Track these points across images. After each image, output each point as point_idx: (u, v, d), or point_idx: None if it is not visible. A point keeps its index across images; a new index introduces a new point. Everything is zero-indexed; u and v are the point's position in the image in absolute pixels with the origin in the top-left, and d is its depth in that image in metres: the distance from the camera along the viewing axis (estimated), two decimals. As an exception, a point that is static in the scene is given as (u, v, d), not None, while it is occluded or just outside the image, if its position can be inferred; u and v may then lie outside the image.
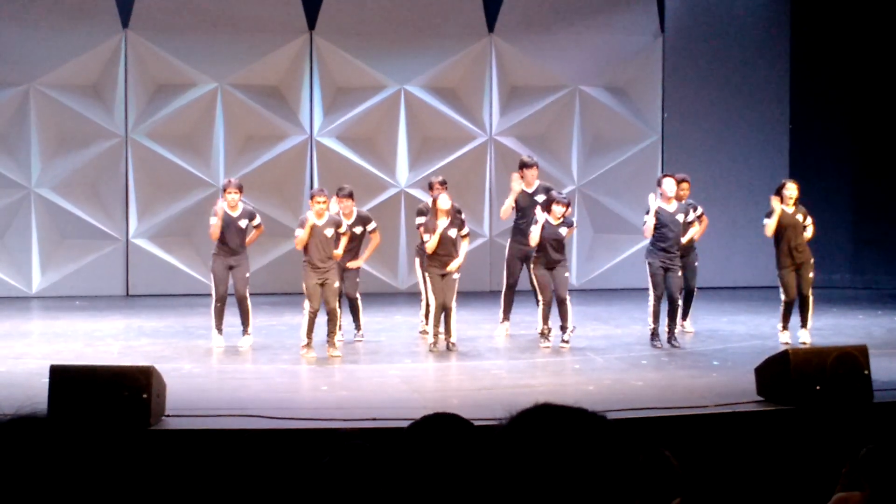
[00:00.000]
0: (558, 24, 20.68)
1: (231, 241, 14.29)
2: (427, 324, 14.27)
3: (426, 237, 13.93)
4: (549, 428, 2.23)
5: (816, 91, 21.29)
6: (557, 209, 14.12)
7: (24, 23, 19.31)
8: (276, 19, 20.02)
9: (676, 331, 14.48)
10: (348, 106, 20.26)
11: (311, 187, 19.83)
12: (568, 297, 14.21)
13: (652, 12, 20.98)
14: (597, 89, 20.87)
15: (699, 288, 15.92)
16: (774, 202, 14.40)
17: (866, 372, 10.67)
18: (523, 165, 15.47)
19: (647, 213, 14.28)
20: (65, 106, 19.45)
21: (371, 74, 20.23)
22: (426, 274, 14.08)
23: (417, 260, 14.86)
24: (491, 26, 20.55)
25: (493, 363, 13.24)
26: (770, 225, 14.31)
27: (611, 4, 20.91)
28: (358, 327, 14.84)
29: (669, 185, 14.35)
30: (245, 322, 14.38)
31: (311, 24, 20.14)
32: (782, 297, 14.44)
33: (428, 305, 14.19)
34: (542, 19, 20.66)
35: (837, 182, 20.75)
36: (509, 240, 15.65)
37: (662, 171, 20.59)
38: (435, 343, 13.88)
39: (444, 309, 13.87)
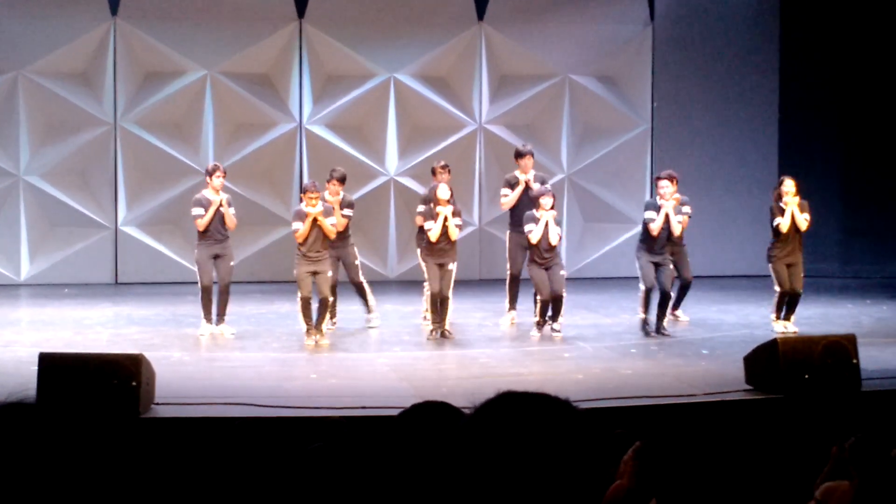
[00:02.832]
0: (548, 12, 20.66)
1: (216, 229, 14.29)
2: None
3: (427, 225, 13.93)
4: (512, 416, 2.23)
5: (806, 81, 21.30)
6: (546, 201, 14.13)
7: (13, 10, 19.25)
8: (265, 7, 19.99)
9: (669, 320, 14.54)
10: (338, 94, 20.24)
11: (301, 175, 19.83)
12: (564, 294, 14.29)
13: (641, 1, 20.96)
14: (586, 78, 20.86)
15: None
16: (791, 199, 14.46)
17: (855, 361, 10.71)
18: (518, 155, 15.36)
19: (655, 212, 14.29)
20: (54, 93, 19.40)
21: (360, 63, 20.20)
22: (425, 264, 14.10)
23: (419, 250, 14.80)
24: (481, 15, 20.53)
25: (482, 352, 13.25)
26: (784, 223, 14.38)
27: (601, -7, 20.92)
28: (369, 309, 14.89)
29: (662, 187, 14.48)
30: (224, 311, 14.37)
31: (301, 12, 20.11)
32: (777, 288, 14.48)
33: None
34: (531, 8, 20.64)
35: (826, 172, 20.76)
36: (508, 230, 15.58)
37: (652, 160, 20.67)
38: (433, 332, 13.91)
39: (442, 299, 13.93)
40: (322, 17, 20.11)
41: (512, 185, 15.27)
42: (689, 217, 15.03)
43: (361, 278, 14.88)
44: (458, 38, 20.48)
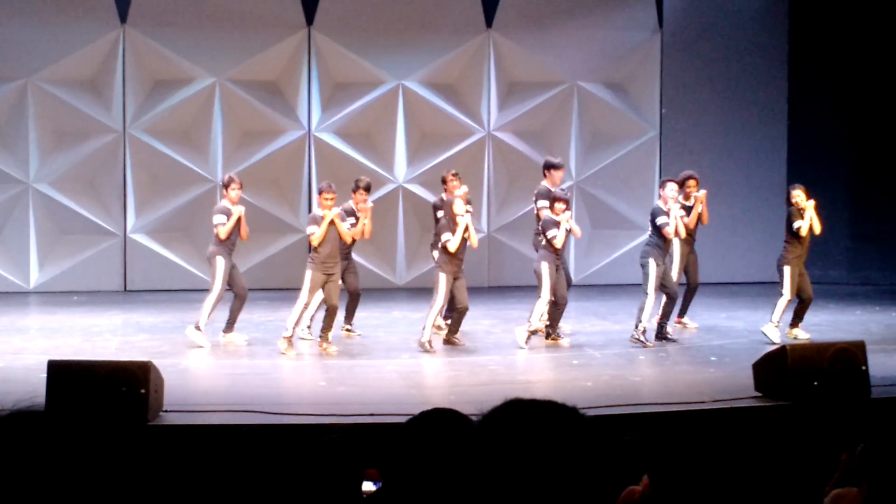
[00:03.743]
0: (556, 19, 20.67)
1: (235, 239, 14.28)
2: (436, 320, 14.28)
3: (445, 236, 13.80)
4: (520, 423, 2.23)
5: (814, 87, 21.29)
6: (560, 206, 14.13)
7: (23, 18, 19.29)
8: (274, 14, 20.01)
9: (675, 328, 14.54)
10: (346, 101, 20.26)
11: (310, 183, 19.85)
12: None
13: (650, 8, 20.97)
14: (595, 85, 20.87)
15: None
16: (807, 204, 14.48)
17: (864, 368, 10.70)
18: (551, 166, 15.04)
19: (668, 215, 14.31)
20: (63, 101, 19.43)
21: (369, 70, 20.22)
22: (442, 274, 13.91)
23: (436, 254, 14.58)
24: (489, 22, 20.54)
25: (490, 359, 13.25)
26: (805, 227, 14.39)
27: (609, 0, 20.90)
28: (350, 321, 14.89)
29: (672, 189, 14.47)
30: (238, 318, 14.37)
31: (310, 19, 20.13)
32: (787, 294, 14.41)
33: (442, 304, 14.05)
34: (540, 15, 20.65)
35: (835, 178, 20.75)
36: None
37: (661, 167, 20.66)
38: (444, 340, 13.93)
39: (462, 309, 13.89)
40: (330, 25, 20.14)
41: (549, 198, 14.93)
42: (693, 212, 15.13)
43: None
44: (467, 45, 20.49)
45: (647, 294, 14.14)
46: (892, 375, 11.55)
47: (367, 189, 14.71)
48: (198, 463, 9.08)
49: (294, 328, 13.58)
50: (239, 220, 14.19)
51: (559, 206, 14.09)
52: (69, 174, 19.66)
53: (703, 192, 15.15)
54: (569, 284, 14.67)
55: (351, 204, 14.52)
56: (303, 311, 13.69)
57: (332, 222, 13.58)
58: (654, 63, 21.06)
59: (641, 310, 14.12)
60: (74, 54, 19.46)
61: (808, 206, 14.44)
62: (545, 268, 14.00)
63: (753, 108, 21.33)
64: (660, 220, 14.33)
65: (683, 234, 14.58)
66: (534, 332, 14.02)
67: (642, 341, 14.01)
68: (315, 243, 13.63)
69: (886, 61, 20.75)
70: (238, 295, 14.29)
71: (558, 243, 13.97)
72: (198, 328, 14.05)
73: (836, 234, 19.74)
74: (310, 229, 13.75)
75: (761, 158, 21.30)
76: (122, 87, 19.66)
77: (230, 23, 19.88)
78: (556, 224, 13.99)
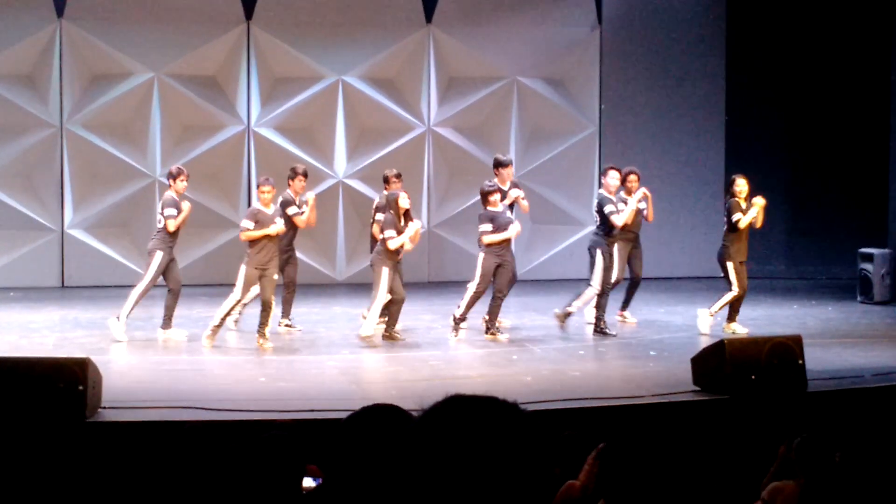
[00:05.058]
0: (496, 14, 20.72)
1: (179, 233, 14.19)
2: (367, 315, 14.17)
3: (389, 233, 13.64)
4: (460, 419, 2.23)
5: (752, 82, 21.46)
6: (495, 197, 14.14)
7: (-43, 11, 19.09)
8: (213, 9, 19.90)
9: (615, 322, 14.64)
10: (286, 96, 20.19)
11: (249, 178, 19.77)
12: None
13: (589, 4, 21.05)
14: (535, 80, 20.92)
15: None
16: (756, 200, 14.56)
17: (801, 361, 10.80)
18: (499, 164, 14.81)
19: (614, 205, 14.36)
20: (-1, 96, 19.26)
21: (309, 65, 20.17)
22: (384, 268, 13.79)
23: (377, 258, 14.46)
24: (429, 17, 20.55)
25: (431, 354, 13.25)
26: (744, 219, 14.46)
27: (549, -4, 20.98)
28: (287, 314, 14.84)
29: (613, 177, 14.50)
30: (174, 314, 14.26)
31: (249, 14, 20.05)
32: (736, 289, 14.46)
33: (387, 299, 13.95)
34: (479, 10, 20.68)
35: (772, 173, 20.91)
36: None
37: (600, 162, 20.75)
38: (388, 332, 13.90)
39: (402, 303, 13.83)
40: (270, 20, 20.06)
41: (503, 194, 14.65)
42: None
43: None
44: (407, 40, 20.48)
45: (590, 286, 14.29)
46: (829, 369, 11.68)
47: (305, 175, 14.66)
48: (136, 460, 9.03)
49: (223, 319, 13.52)
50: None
51: (494, 197, 14.07)
52: (6, 169, 19.47)
53: (643, 190, 15.16)
54: (513, 281, 14.58)
55: (290, 193, 14.44)
56: (234, 307, 13.64)
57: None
58: (593, 59, 21.15)
59: (579, 296, 14.41)
60: (11, 48, 19.27)
61: (758, 202, 14.49)
62: (481, 259, 14.09)
63: (692, 104, 21.48)
64: (608, 209, 14.30)
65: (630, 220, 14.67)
66: (461, 320, 14.15)
67: (605, 331, 14.24)
68: (243, 238, 13.56)
69: (821, 60, 20.95)
70: (172, 290, 14.16)
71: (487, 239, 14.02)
72: (118, 318, 13.97)
73: (773, 229, 19.90)
74: (245, 223, 13.59)
75: (700, 153, 21.45)
76: (59, 82, 19.50)
77: (168, 17, 19.76)
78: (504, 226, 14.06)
